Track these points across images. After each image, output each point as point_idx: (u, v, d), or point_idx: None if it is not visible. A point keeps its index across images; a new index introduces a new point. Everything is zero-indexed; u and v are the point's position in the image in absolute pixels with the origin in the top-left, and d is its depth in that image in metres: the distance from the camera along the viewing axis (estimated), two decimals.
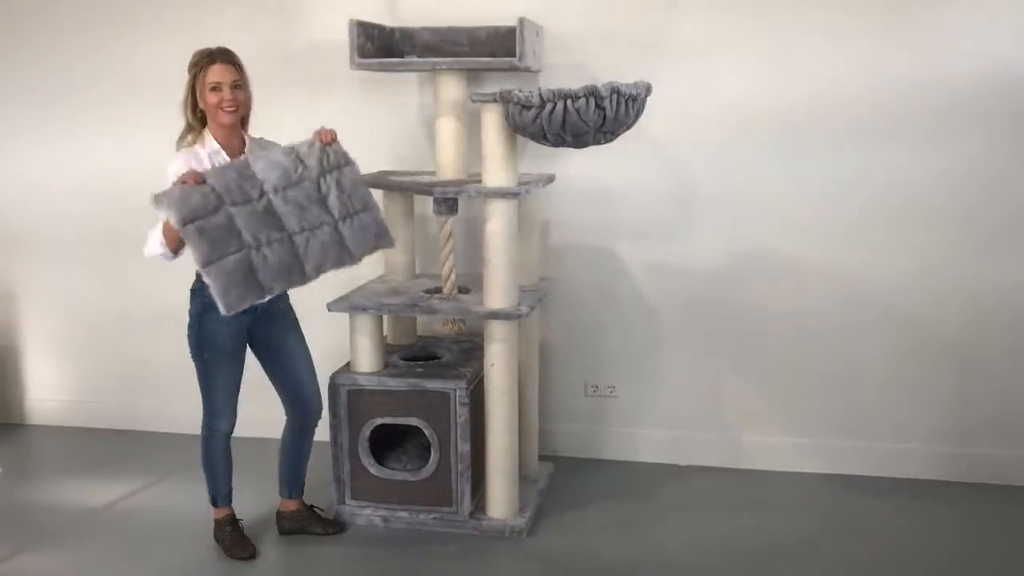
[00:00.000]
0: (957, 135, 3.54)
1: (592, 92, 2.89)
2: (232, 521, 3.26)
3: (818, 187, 3.65)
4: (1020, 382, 3.65)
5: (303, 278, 2.88)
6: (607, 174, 3.77)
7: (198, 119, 3.02)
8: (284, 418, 3.30)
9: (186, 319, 3.09)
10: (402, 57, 3.69)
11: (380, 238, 3.00)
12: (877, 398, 3.76)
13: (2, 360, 4.48)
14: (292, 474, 3.34)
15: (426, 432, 3.31)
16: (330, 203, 2.91)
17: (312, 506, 3.40)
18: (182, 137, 3.06)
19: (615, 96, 2.91)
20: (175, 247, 2.85)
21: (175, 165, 2.93)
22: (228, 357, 3.10)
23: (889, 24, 3.51)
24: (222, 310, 2.75)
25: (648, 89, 3.04)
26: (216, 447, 3.20)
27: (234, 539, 3.23)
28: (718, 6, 3.60)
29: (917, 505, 3.54)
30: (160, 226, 2.84)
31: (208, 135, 3.02)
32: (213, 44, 3.00)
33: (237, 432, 3.20)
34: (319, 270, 2.90)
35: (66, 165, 4.23)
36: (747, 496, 3.64)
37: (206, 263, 2.73)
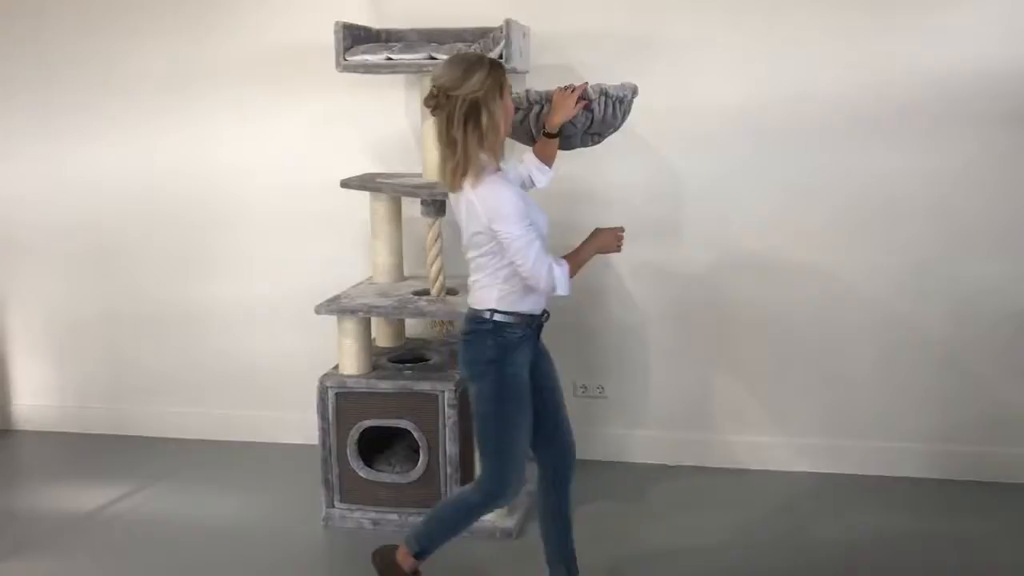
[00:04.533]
0: (943, 135, 3.55)
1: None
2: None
3: (805, 186, 3.66)
4: (1005, 380, 3.67)
5: None
6: (594, 175, 3.77)
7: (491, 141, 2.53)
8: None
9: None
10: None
11: None
12: (864, 397, 3.77)
13: None
14: (563, 543, 2.82)
15: (415, 434, 3.31)
16: None
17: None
18: (470, 173, 2.51)
19: (603, 98, 2.90)
20: None
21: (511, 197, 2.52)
22: (527, 404, 2.61)
23: (876, 23, 3.52)
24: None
25: (635, 91, 3.04)
26: (479, 519, 2.77)
27: None
28: (704, 7, 3.61)
29: (904, 502, 3.55)
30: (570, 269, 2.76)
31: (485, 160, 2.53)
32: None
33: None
34: None
35: (50, 169, 4.21)
36: (736, 496, 3.65)
37: None
